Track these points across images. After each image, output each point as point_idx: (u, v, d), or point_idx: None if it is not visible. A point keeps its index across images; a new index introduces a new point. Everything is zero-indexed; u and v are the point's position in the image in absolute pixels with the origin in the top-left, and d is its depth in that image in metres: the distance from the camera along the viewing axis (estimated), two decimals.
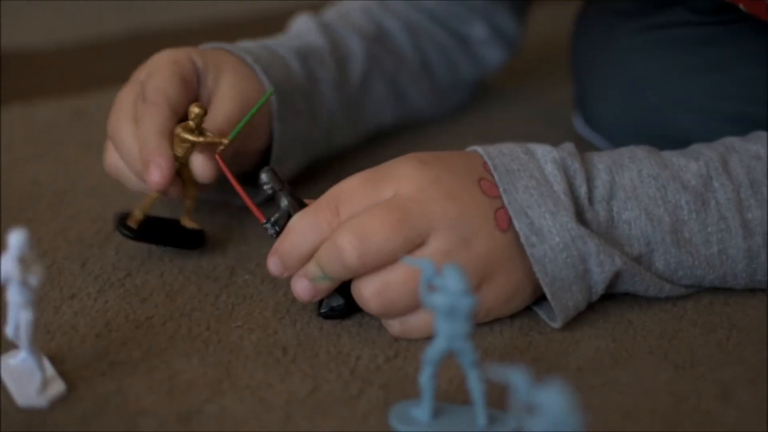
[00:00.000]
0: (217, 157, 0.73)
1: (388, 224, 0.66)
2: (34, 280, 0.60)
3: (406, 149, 0.73)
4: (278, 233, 0.70)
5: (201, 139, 0.73)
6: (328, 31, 0.95)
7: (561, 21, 1.15)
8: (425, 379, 0.60)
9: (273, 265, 0.69)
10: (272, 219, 0.71)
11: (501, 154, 0.71)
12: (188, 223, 0.79)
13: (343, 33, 0.96)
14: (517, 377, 0.50)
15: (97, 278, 0.76)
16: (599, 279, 0.69)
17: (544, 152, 0.71)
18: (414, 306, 0.67)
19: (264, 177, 0.71)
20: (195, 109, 0.73)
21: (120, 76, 1.15)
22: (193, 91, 0.79)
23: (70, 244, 0.81)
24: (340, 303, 0.71)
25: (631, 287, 0.72)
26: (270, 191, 0.71)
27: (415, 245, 0.66)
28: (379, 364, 0.67)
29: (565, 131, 1.02)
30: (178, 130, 0.74)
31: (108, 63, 1.28)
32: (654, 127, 0.91)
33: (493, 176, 0.70)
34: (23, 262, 0.59)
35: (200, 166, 0.74)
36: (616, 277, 0.70)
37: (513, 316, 0.72)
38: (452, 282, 0.57)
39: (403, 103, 1.01)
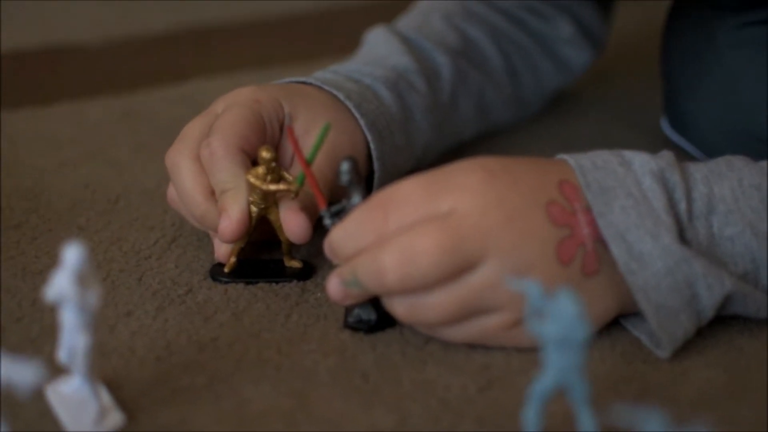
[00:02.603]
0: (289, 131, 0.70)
1: (438, 249, 0.61)
2: (92, 299, 0.56)
3: (480, 154, 0.69)
4: (331, 224, 0.67)
5: (272, 187, 0.70)
6: (412, 49, 0.90)
7: (640, 16, 1.11)
8: (530, 416, 0.55)
9: (327, 251, 0.67)
10: (333, 209, 0.67)
11: (595, 168, 0.66)
12: (291, 262, 0.75)
13: (428, 48, 0.92)
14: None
15: (156, 294, 0.73)
16: (708, 304, 0.65)
17: (641, 163, 0.67)
18: (447, 324, 0.65)
19: (345, 165, 0.66)
20: (264, 154, 0.70)
21: (172, 73, 1.19)
22: (272, 138, 0.75)
23: (125, 256, 0.78)
24: (372, 318, 0.68)
25: (742, 309, 0.67)
26: (346, 183, 0.67)
27: (462, 271, 0.62)
28: (471, 394, 0.63)
29: (651, 136, 0.98)
30: (248, 176, 0.71)
31: (159, 60, 1.27)
32: (751, 132, 0.86)
33: (571, 195, 0.65)
34: (81, 279, 0.55)
35: (291, 228, 0.72)
36: (726, 299, 0.65)
37: (614, 342, 0.67)
38: (565, 308, 0.52)
39: (488, 116, 0.98)
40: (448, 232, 0.62)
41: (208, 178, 0.72)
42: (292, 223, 0.71)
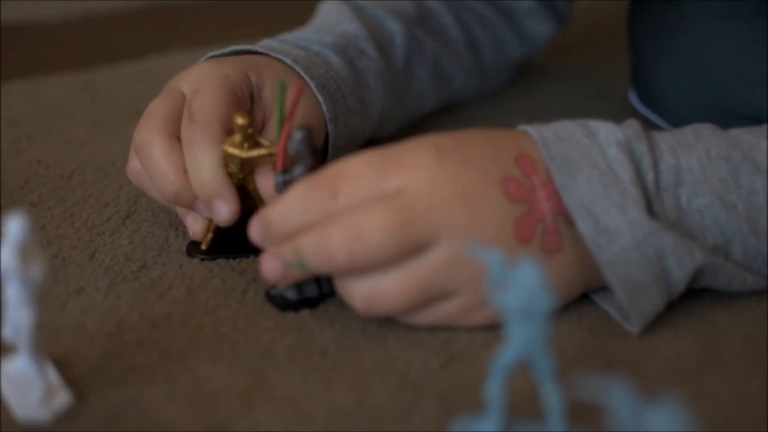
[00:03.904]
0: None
1: (386, 227, 0.60)
2: (36, 273, 0.54)
3: (444, 130, 0.67)
4: (280, 191, 0.66)
5: (253, 153, 0.69)
6: (363, 16, 0.89)
7: None
8: (494, 391, 0.53)
9: (255, 230, 0.64)
10: (285, 177, 0.65)
11: (558, 140, 0.64)
12: None
13: (381, 16, 0.90)
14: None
15: (108, 270, 0.71)
16: (679, 278, 0.63)
17: (607, 133, 0.65)
18: (408, 313, 0.63)
19: (299, 134, 0.64)
20: (240, 121, 0.68)
21: (132, 50, 1.18)
22: (245, 110, 0.73)
23: (77, 232, 0.76)
24: (294, 296, 0.67)
25: (713, 282, 0.66)
26: (295, 152, 0.65)
27: (414, 251, 0.61)
28: (432, 370, 0.61)
29: (620, 108, 0.97)
30: (225, 147, 0.69)
31: (118, 37, 1.26)
32: (720, 104, 0.85)
33: (529, 168, 0.63)
34: (24, 253, 0.53)
35: (270, 192, 0.69)
36: (697, 272, 0.64)
37: (581, 316, 0.66)
38: (527, 277, 0.50)
39: (447, 86, 0.96)
40: (397, 210, 0.60)
41: (181, 156, 0.70)
42: (269, 184, 0.69)
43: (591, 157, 0.63)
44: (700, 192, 0.64)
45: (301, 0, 1.07)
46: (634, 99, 0.96)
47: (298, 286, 0.66)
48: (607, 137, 0.64)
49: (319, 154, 0.67)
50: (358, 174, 0.62)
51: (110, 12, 1.34)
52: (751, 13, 0.84)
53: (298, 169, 0.65)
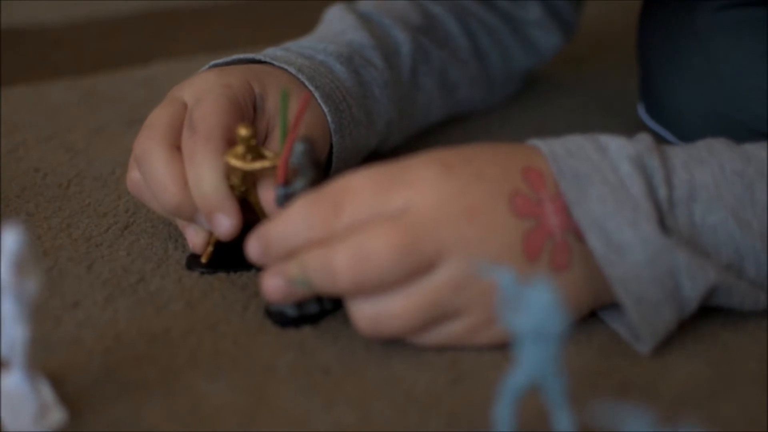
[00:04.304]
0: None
1: (393, 248, 0.58)
2: (32, 288, 0.53)
3: (452, 144, 0.66)
4: (280, 205, 0.64)
5: (256, 165, 0.67)
6: (369, 25, 0.88)
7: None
8: (503, 415, 0.52)
9: (254, 247, 0.62)
10: (286, 190, 0.64)
11: (568, 155, 0.63)
12: None
13: (387, 24, 0.89)
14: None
15: (106, 283, 0.70)
16: (692, 295, 0.62)
17: (618, 147, 0.64)
18: (414, 334, 0.62)
19: (300, 146, 0.63)
20: (242, 132, 0.67)
21: (135, 55, 1.17)
22: (247, 121, 0.72)
23: (75, 243, 0.75)
24: (294, 313, 0.65)
25: (726, 300, 0.64)
26: (296, 165, 0.64)
27: (420, 270, 0.59)
28: (439, 390, 0.60)
29: (628, 122, 0.96)
30: (228, 158, 0.67)
31: (122, 41, 1.25)
32: (734, 118, 0.84)
33: (536, 182, 0.62)
34: (20, 266, 0.52)
35: (271, 204, 0.68)
36: (711, 290, 0.63)
37: (590, 335, 0.64)
38: (540, 298, 0.49)
39: (454, 97, 0.95)
40: (403, 230, 0.59)
41: (182, 167, 0.69)
42: (272, 196, 0.68)
43: (602, 172, 0.62)
44: (714, 208, 0.63)
45: (306, 5, 1.06)
46: (642, 113, 0.95)
47: (299, 302, 0.65)
48: (618, 152, 0.63)
49: (322, 167, 0.65)
50: (362, 190, 0.60)
51: (114, 16, 1.33)
52: (764, 26, 0.83)
53: (299, 183, 0.63)
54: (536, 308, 0.49)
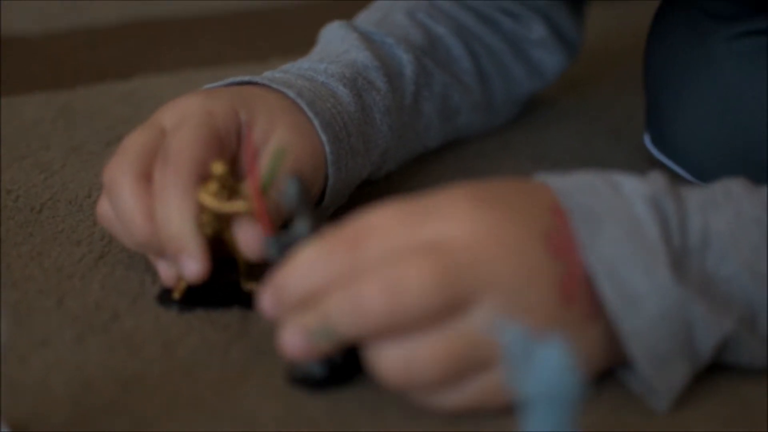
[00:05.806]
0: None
1: (431, 278, 0.53)
2: None
3: (449, 170, 0.64)
4: (278, 257, 0.60)
5: (228, 207, 0.65)
6: (372, 44, 0.85)
7: (624, 18, 1.10)
8: None
9: (268, 301, 0.57)
10: (283, 239, 0.60)
11: (579, 191, 0.60)
12: (248, 284, 0.69)
13: (390, 44, 0.86)
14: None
15: (76, 320, 0.67)
16: (705, 347, 0.59)
17: (632, 187, 0.60)
18: (446, 384, 0.56)
19: (291, 188, 0.60)
20: (217, 170, 0.64)
21: (116, 69, 1.14)
22: (229, 151, 0.69)
23: (45, 273, 0.72)
24: (325, 372, 0.60)
25: (735, 357, 0.61)
26: (291, 206, 0.60)
27: (456, 309, 0.55)
28: None
29: (633, 151, 0.94)
30: (201, 195, 0.65)
31: (103, 54, 1.23)
32: (749, 156, 0.81)
33: (562, 224, 0.58)
34: None
35: (248, 243, 0.65)
36: (724, 344, 0.60)
37: (600, 390, 0.61)
38: (552, 358, 0.45)
39: (454, 122, 0.92)
40: (441, 260, 0.54)
41: (150, 200, 0.66)
42: (248, 237, 0.65)
43: (616, 213, 0.59)
44: (728, 259, 0.60)
45: (293, 20, 1.04)
46: (648, 143, 0.92)
47: (327, 360, 0.60)
48: (633, 192, 0.60)
49: (313, 203, 0.62)
50: (386, 226, 0.56)
51: (94, 26, 1.32)
52: None
53: (301, 226, 0.60)
54: (547, 370, 0.45)
